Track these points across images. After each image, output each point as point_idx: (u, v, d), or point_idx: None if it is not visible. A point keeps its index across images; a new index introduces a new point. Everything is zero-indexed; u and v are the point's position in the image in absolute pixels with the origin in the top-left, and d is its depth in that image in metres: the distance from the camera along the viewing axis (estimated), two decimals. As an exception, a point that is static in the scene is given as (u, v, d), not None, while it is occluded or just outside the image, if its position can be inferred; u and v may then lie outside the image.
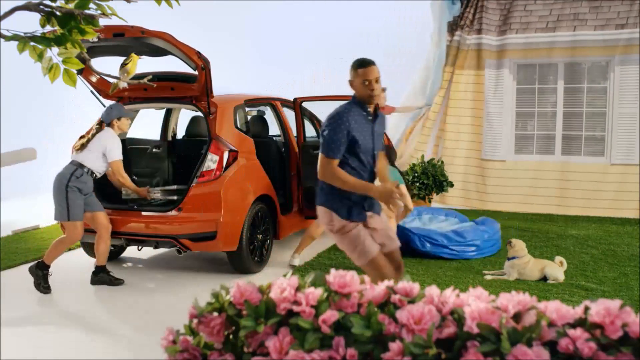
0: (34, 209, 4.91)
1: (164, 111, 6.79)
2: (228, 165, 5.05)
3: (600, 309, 0.90)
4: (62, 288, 4.84)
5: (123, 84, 2.95)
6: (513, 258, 4.97)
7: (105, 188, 5.34)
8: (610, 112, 7.98)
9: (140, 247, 5.55)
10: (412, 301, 0.93)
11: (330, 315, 0.88)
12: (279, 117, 6.30)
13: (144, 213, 5.12)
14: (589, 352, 0.83)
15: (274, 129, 6.48)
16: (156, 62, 5.25)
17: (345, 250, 3.32)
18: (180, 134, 6.96)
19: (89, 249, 5.50)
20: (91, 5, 2.05)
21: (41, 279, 4.71)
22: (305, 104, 6.21)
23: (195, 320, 0.99)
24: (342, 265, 5.47)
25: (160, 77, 5.27)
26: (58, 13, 2.02)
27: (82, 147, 4.92)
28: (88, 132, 5.06)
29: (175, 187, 5.49)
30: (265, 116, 6.59)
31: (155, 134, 6.93)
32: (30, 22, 2.15)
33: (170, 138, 6.82)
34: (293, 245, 5.88)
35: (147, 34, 4.73)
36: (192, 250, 5.04)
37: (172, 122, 6.85)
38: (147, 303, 4.56)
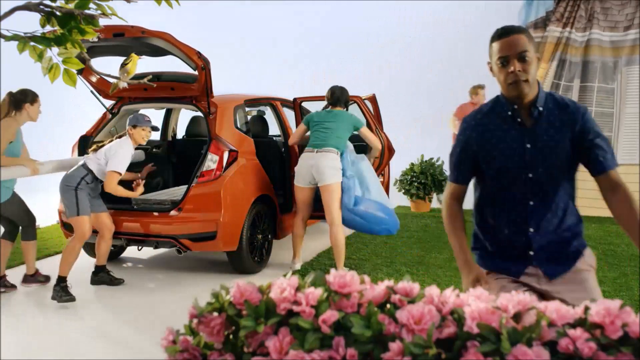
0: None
1: (164, 111, 6.80)
2: (228, 165, 5.05)
3: (600, 309, 0.90)
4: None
5: (123, 84, 2.95)
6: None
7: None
8: (617, 112, 8.07)
9: (140, 247, 5.56)
10: (412, 301, 0.93)
11: (330, 315, 0.88)
12: (279, 117, 6.30)
13: (144, 213, 5.13)
14: (589, 352, 0.83)
15: (274, 129, 6.48)
16: (156, 62, 5.25)
17: None
18: (180, 134, 6.96)
19: (89, 249, 5.51)
20: (91, 5, 2.05)
21: (61, 292, 4.49)
22: (305, 104, 6.21)
23: (195, 320, 0.99)
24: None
25: (160, 77, 5.27)
26: (58, 13, 2.02)
27: (95, 150, 4.88)
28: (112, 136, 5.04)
29: (165, 197, 5.47)
30: (265, 116, 6.59)
31: (155, 134, 6.94)
32: (30, 22, 2.15)
33: (170, 138, 6.83)
34: (293, 245, 5.88)
35: (147, 34, 4.73)
36: (192, 250, 5.04)
37: (172, 122, 6.86)
38: (147, 303, 4.56)
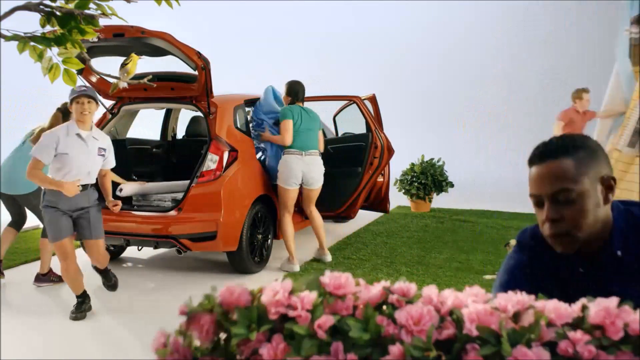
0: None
1: (164, 111, 6.80)
2: (228, 165, 5.05)
3: (599, 309, 0.90)
4: (62, 288, 4.85)
5: (123, 84, 2.95)
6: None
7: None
8: None
9: (140, 247, 5.55)
10: (409, 301, 0.92)
11: (326, 320, 0.86)
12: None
13: (144, 213, 5.12)
14: (588, 356, 0.83)
15: (273, 129, 6.47)
16: (156, 62, 5.25)
17: None
18: (180, 134, 6.96)
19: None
20: (91, 5, 2.05)
21: (76, 309, 4.21)
22: (305, 104, 6.20)
23: (185, 318, 0.98)
24: (342, 265, 5.48)
25: (160, 77, 5.27)
26: (58, 13, 2.02)
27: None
28: None
29: (165, 191, 5.53)
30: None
31: (155, 134, 6.94)
32: (30, 22, 2.15)
33: (170, 138, 6.83)
34: (293, 245, 5.88)
35: (147, 34, 4.73)
36: (192, 250, 5.03)
37: (172, 122, 6.86)
38: (147, 303, 4.56)
